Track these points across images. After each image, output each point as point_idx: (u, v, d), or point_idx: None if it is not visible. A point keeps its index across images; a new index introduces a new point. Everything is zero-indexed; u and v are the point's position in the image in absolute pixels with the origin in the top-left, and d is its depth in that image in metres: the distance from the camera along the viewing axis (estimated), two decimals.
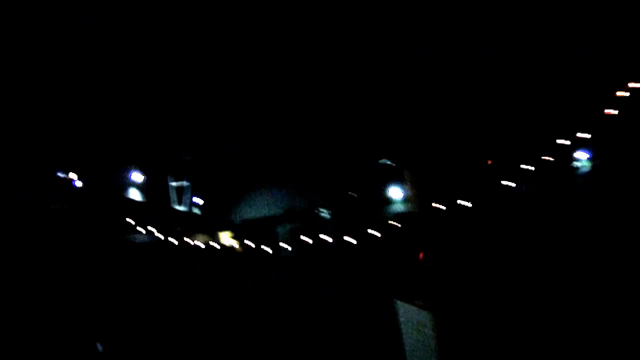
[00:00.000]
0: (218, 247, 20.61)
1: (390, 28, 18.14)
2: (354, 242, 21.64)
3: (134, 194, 16.72)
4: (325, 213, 23.65)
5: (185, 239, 18.31)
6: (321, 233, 22.85)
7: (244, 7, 16.30)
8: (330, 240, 21.66)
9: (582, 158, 20.04)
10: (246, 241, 21.24)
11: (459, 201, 19.70)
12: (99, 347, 7.41)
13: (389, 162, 22.47)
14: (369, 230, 21.64)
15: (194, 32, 15.81)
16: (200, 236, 19.70)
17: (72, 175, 13.36)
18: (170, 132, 17.81)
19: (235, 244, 21.03)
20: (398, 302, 6.10)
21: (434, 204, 19.08)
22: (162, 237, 17.04)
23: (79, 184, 13.50)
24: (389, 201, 22.69)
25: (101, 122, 14.84)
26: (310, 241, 21.74)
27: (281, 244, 21.79)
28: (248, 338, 10.69)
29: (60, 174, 13.08)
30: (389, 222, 22.09)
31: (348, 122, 21.64)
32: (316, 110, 21.00)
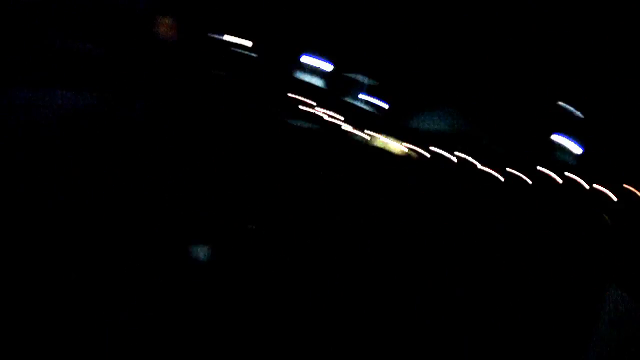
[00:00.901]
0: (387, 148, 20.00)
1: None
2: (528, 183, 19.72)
3: (312, 79, 16.18)
4: (498, 149, 21.66)
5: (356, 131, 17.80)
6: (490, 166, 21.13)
7: None
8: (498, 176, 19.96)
9: None
10: (419, 149, 20.23)
11: None
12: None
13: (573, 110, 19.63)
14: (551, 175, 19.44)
15: None
16: (370, 134, 19.07)
17: (247, 43, 12.57)
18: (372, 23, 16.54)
19: (406, 149, 20.14)
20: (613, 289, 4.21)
21: None
22: (330, 122, 16.62)
23: (252, 53, 12.86)
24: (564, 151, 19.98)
25: None
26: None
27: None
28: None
29: (231, 39, 12.36)
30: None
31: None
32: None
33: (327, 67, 16.55)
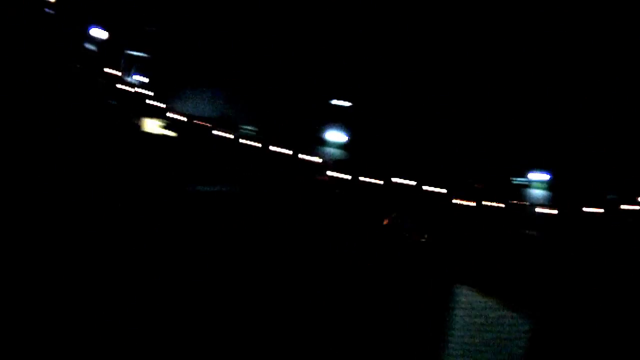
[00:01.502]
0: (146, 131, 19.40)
1: None
2: None
3: (91, 47, 14.74)
4: (249, 130, 23.20)
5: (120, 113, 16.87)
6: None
7: None
8: None
9: None
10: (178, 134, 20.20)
11: None
12: None
13: (342, 104, 21.32)
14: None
15: None
16: (133, 115, 18.28)
17: None
18: None
19: (166, 133, 19.89)
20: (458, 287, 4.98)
21: None
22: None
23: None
24: (324, 142, 21.97)
25: None
26: None
27: None
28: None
29: None
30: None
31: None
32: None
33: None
